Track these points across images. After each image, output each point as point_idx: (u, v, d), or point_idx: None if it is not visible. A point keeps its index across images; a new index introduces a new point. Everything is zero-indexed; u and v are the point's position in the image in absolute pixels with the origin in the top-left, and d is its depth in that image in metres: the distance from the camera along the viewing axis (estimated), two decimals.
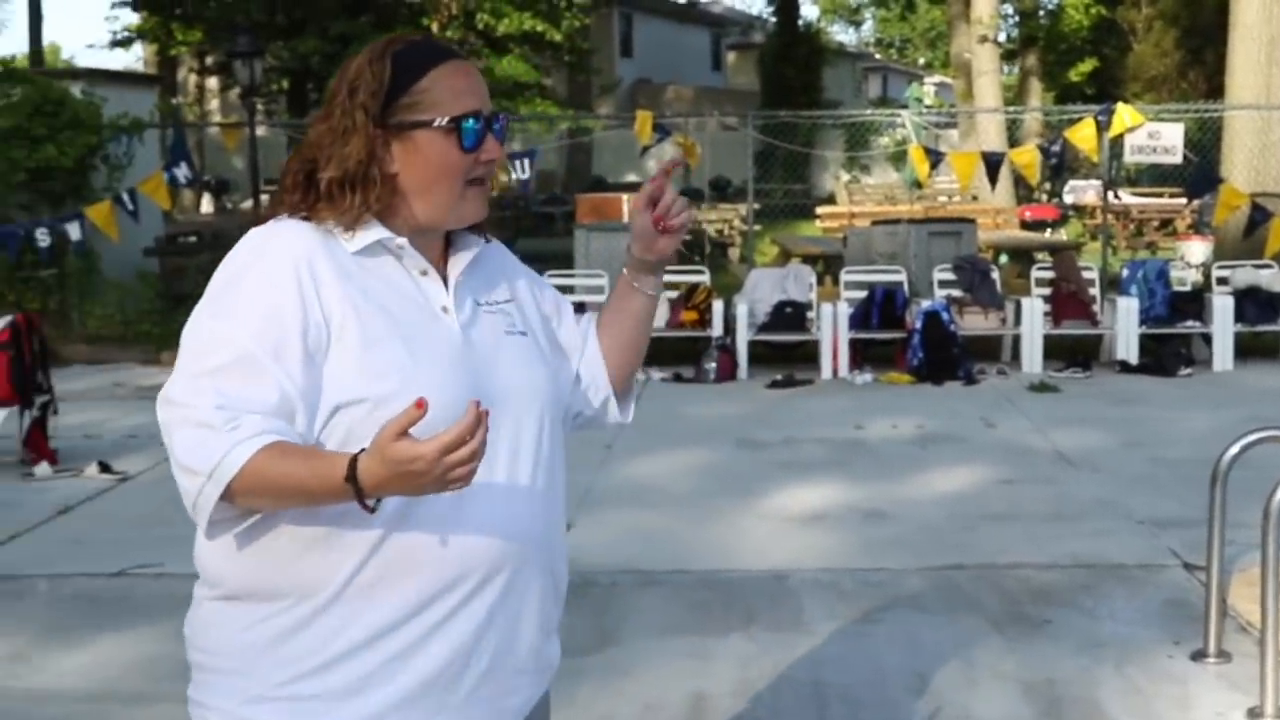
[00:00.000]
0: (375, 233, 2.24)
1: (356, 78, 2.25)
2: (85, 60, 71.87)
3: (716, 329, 12.91)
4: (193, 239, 18.48)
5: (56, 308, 15.13)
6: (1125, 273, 13.81)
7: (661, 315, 13.05)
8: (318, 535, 2.17)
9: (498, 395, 2.24)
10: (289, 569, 2.18)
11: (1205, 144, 18.72)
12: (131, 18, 28.38)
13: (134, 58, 50.76)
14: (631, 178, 32.15)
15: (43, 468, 9.06)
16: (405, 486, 1.96)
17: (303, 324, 2.14)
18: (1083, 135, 14.19)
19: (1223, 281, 13.80)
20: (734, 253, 21.82)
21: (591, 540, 7.18)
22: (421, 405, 1.92)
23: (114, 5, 31.46)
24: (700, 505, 7.99)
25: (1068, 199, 28.06)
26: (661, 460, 9.21)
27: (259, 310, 2.14)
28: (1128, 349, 12.84)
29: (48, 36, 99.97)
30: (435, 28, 24.25)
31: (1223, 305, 13.02)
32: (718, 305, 13.04)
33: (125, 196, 14.35)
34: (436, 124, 2.24)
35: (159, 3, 26.24)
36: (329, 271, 2.19)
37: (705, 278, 13.72)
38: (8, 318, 9.30)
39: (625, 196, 17.89)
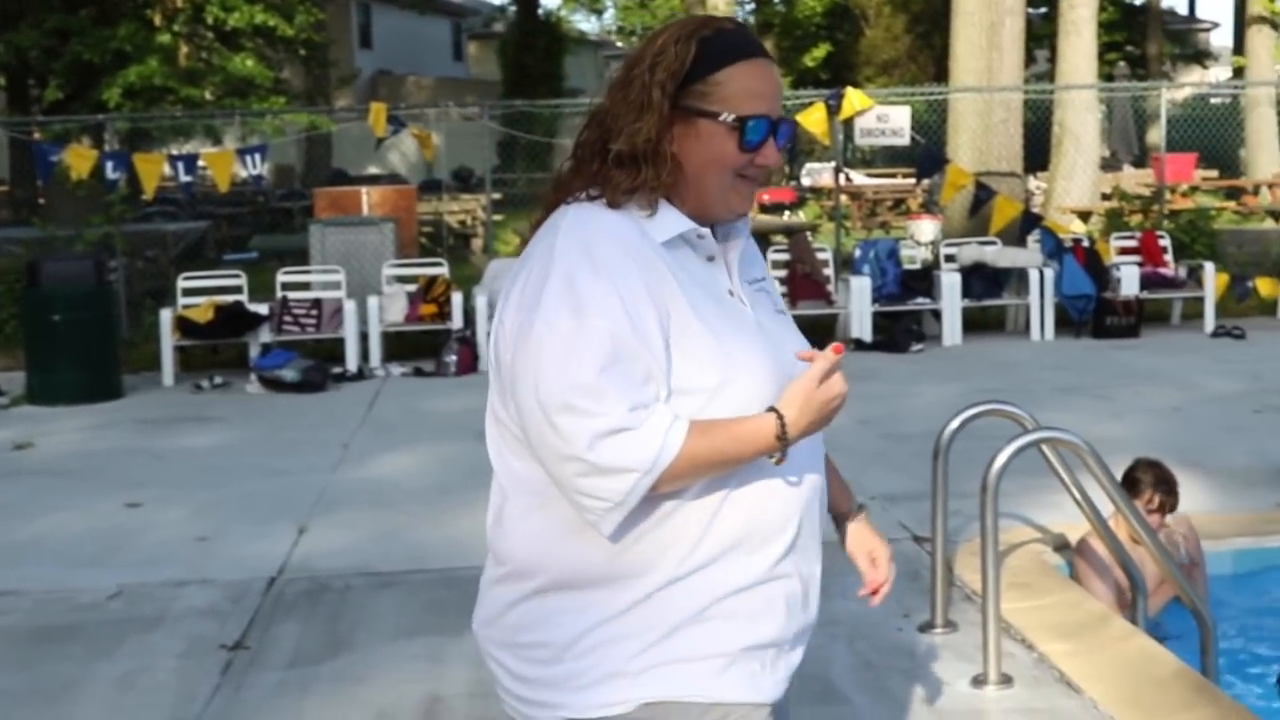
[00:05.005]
0: (678, 223, 2.31)
1: (660, 54, 2.31)
2: None
3: (456, 321, 12.75)
4: None
5: None
6: (858, 253, 14.08)
7: (400, 309, 12.85)
8: (694, 502, 2.28)
9: (794, 375, 2.37)
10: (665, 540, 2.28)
11: (933, 126, 19.29)
12: None
13: None
14: (372, 169, 31.69)
15: None
16: (817, 424, 2.25)
17: (656, 312, 2.21)
18: (814, 119, 14.44)
19: (950, 259, 14.20)
20: (477, 244, 21.66)
21: (325, 545, 7.00)
22: (839, 350, 2.24)
23: None
24: (440, 502, 7.83)
25: (805, 181, 28.62)
26: (400, 458, 9.03)
27: (622, 301, 2.18)
28: (862, 327, 13.12)
29: None
30: (159, 20, 23.41)
31: (950, 282, 13.40)
32: (457, 297, 12.87)
33: None
34: (722, 118, 2.30)
35: None
36: (655, 260, 2.25)
37: (444, 270, 13.51)
38: None
39: (364, 190, 17.51)
